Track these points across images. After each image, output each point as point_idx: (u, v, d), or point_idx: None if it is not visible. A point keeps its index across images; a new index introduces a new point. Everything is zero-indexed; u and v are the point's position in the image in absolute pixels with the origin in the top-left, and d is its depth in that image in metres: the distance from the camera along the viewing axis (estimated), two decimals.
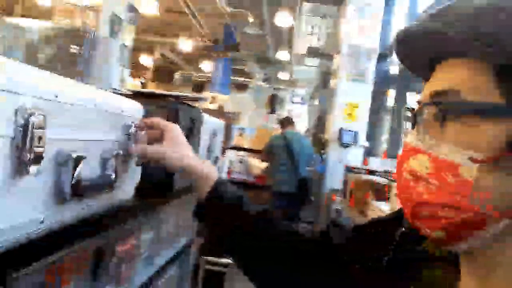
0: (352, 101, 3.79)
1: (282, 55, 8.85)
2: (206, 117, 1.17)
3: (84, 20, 3.64)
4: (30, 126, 0.40)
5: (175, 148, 0.67)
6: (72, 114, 0.49)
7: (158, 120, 0.71)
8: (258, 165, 4.90)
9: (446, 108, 0.41)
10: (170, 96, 0.90)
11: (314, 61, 8.13)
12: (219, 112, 4.21)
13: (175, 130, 0.69)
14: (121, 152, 0.65)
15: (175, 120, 0.89)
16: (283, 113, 11.84)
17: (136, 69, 10.57)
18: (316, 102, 9.34)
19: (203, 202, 0.66)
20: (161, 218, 1.18)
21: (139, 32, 7.63)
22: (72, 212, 0.52)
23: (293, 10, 6.40)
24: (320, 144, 4.79)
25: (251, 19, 6.95)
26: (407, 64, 0.50)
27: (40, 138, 0.42)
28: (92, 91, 0.58)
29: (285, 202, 3.96)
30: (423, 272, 0.46)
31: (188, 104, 0.96)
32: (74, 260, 0.75)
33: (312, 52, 7.66)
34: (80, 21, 3.67)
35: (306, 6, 6.30)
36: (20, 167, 0.40)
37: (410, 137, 0.44)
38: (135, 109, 0.72)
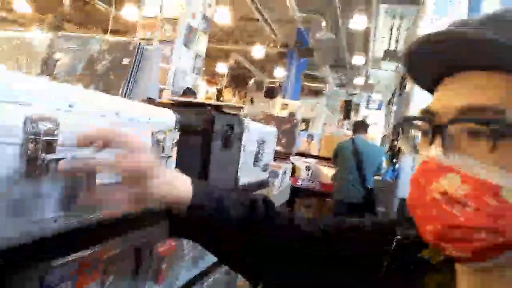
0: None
1: (357, 59, 8.57)
2: (250, 124, 1.18)
3: (162, 32, 3.94)
4: (40, 133, 0.44)
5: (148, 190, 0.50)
6: (89, 122, 0.53)
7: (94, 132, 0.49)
8: (326, 172, 4.78)
9: (487, 126, 0.38)
10: (208, 105, 0.92)
11: (391, 65, 7.72)
12: (285, 117, 4.19)
13: (139, 151, 0.50)
14: None
15: (211, 127, 0.91)
16: (358, 119, 11.43)
17: (213, 76, 11.10)
18: (394, 108, 8.86)
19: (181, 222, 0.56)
20: None
21: (215, 41, 8.02)
22: (86, 214, 0.55)
23: (369, 12, 6.17)
24: (394, 152, 4.51)
25: (324, 24, 6.85)
26: (415, 72, 0.48)
27: (49, 144, 0.45)
28: (115, 101, 0.62)
29: (348, 212, 3.78)
30: (421, 280, 0.45)
31: (227, 112, 0.98)
32: (112, 256, 0.80)
33: (389, 55, 7.29)
34: (160, 33, 3.98)
35: (383, 7, 6.01)
36: (30, 171, 0.44)
37: (432, 152, 0.41)
38: (166, 117, 0.75)
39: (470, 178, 0.38)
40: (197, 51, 4.30)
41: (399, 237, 0.48)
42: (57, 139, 0.47)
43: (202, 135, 0.83)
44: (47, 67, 1.07)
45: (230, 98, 10.64)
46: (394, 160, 4.27)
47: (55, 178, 0.48)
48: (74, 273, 0.65)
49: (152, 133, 0.69)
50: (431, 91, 0.47)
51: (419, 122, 0.45)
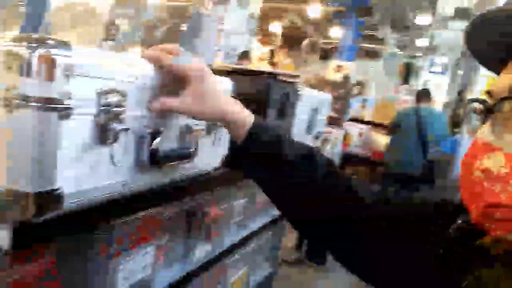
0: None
1: (422, 18, 7.91)
2: (304, 92, 1.16)
3: None
4: (110, 105, 0.47)
5: (202, 96, 0.55)
6: (151, 92, 0.55)
7: (176, 65, 0.55)
8: (380, 139, 4.62)
9: None
10: (264, 73, 0.91)
11: (461, 25, 7.04)
12: (340, 82, 4.05)
13: (200, 72, 0.55)
14: (203, 125, 0.71)
15: (266, 95, 0.91)
16: (417, 84, 10.75)
17: (266, 36, 10.86)
18: (460, 72, 8.18)
19: (238, 148, 0.58)
20: (255, 186, 1.24)
21: (268, 0, 7.77)
22: (153, 178, 0.59)
23: None
24: (456, 122, 4.23)
25: None
26: (478, 48, 0.46)
27: (118, 114, 0.48)
28: None
29: (403, 184, 3.63)
30: (478, 270, 0.43)
31: (282, 80, 0.97)
32: (167, 218, 0.86)
33: (460, 13, 6.64)
34: None
35: None
36: (102, 139, 0.48)
37: (482, 132, 0.41)
38: (224, 85, 0.76)
39: None
40: (251, 11, 4.22)
41: (459, 221, 0.46)
42: (125, 110, 0.50)
43: (257, 103, 0.83)
44: (109, 33, 1.12)
45: (283, 59, 10.44)
46: (455, 130, 4.01)
47: (123, 146, 0.51)
48: (135, 231, 0.71)
49: None
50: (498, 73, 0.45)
51: (478, 104, 0.44)
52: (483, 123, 0.42)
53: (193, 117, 0.58)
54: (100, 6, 1.03)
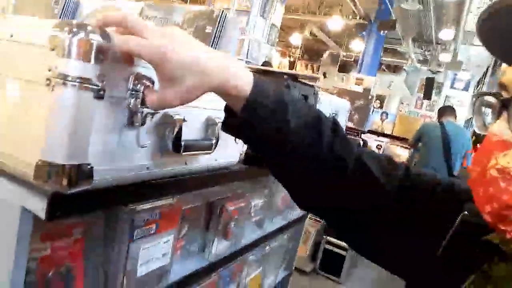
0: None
1: (446, 33, 7.83)
2: (323, 95, 1.18)
3: (239, 1, 3.97)
4: (139, 90, 0.50)
5: (174, 80, 0.44)
6: None
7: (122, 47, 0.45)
8: (399, 153, 4.57)
9: None
10: (285, 73, 0.93)
11: None
12: (359, 93, 4.04)
13: (157, 54, 0.43)
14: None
15: None
16: (439, 99, 10.57)
17: (286, 47, 10.94)
18: (484, 89, 8.03)
19: (236, 113, 0.48)
20: (272, 189, 1.26)
21: (291, 11, 7.86)
22: (174, 165, 0.62)
23: None
24: (477, 138, 4.14)
25: None
26: (490, 45, 0.43)
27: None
28: None
29: None
30: (487, 266, 0.41)
31: (302, 82, 0.99)
32: (188, 209, 0.88)
33: None
34: (236, 3, 4.02)
35: None
36: (130, 121, 0.51)
37: (496, 128, 0.39)
38: None
39: None
40: (272, 21, 4.29)
41: (465, 213, 0.44)
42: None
43: None
44: None
45: (302, 71, 10.48)
46: (478, 145, 3.93)
47: (150, 131, 0.54)
48: (158, 218, 0.73)
49: None
50: None
51: (491, 98, 0.41)
52: (498, 118, 0.40)
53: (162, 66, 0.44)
54: (130, 8, 1.09)
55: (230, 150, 0.78)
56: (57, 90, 0.43)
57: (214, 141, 0.68)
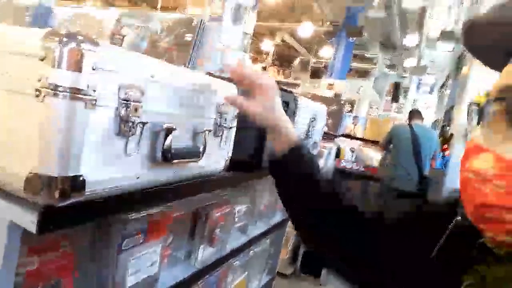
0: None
1: (410, 39, 8.14)
2: (303, 101, 1.20)
3: (211, 8, 3.98)
4: (129, 99, 0.50)
5: (265, 103, 0.65)
6: (167, 91, 0.58)
7: (253, 73, 0.67)
8: (371, 155, 4.69)
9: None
10: None
11: (447, 46, 7.27)
12: (332, 98, 4.13)
13: (272, 89, 0.66)
14: (212, 128, 0.74)
15: None
16: (406, 102, 10.96)
17: (258, 54, 11.03)
18: (448, 92, 8.40)
19: (278, 158, 0.66)
20: (255, 194, 1.27)
21: (262, 18, 7.95)
22: (163, 174, 0.62)
23: None
24: (444, 139, 4.33)
25: (376, 2, 6.55)
26: (482, 55, 0.47)
27: (136, 109, 0.51)
28: (188, 72, 0.67)
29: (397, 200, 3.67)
30: (477, 267, 0.42)
31: (283, 89, 1.00)
32: (174, 218, 0.88)
33: (446, 35, 6.85)
34: (209, 9, 4.02)
35: None
36: (120, 131, 0.50)
37: (474, 133, 0.42)
38: (230, 90, 0.80)
39: (501, 157, 0.38)
40: (245, 29, 4.31)
41: (458, 218, 0.46)
42: (142, 105, 0.53)
43: None
44: (115, 43, 1.15)
45: (275, 77, 10.59)
46: (445, 146, 4.10)
47: (139, 140, 0.54)
48: (146, 227, 0.72)
49: (217, 105, 0.74)
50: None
51: (474, 106, 0.45)
52: (478, 124, 0.42)
53: (253, 119, 0.66)
54: (106, 17, 1.06)
55: (215, 157, 0.78)
56: (48, 101, 0.43)
57: (202, 149, 0.68)
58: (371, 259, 0.55)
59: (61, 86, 0.43)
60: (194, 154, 0.66)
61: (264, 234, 1.37)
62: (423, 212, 0.55)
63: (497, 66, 0.45)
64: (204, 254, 0.99)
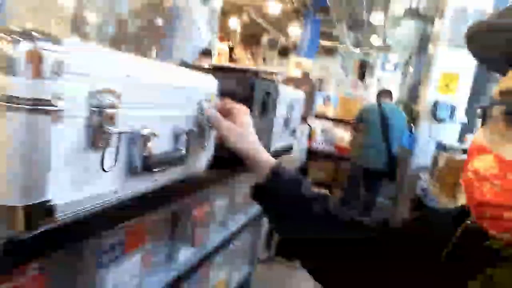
0: (452, 71, 3.36)
1: (376, 17, 8.21)
2: (283, 89, 1.15)
3: None
4: (102, 106, 0.43)
5: (241, 132, 0.67)
6: (143, 92, 0.51)
7: (231, 102, 0.71)
8: (342, 135, 4.74)
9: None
10: (248, 71, 0.89)
11: (412, 24, 7.39)
12: (303, 79, 4.10)
13: (245, 115, 0.69)
14: (194, 127, 0.67)
15: (251, 93, 0.88)
16: (372, 80, 11.15)
17: (225, 32, 10.77)
18: (411, 70, 8.59)
19: (260, 184, 0.65)
20: (234, 187, 1.22)
21: None
22: (144, 184, 0.55)
23: None
24: (410, 117, 4.44)
25: None
26: (483, 59, 0.49)
27: (111, 117, 0.44)
28: (165, 68, 0.60)
29: (368, 178, 3.75)
30: (485, 270, 0.43)
31: (265, 78, 0.95)
32: (153, 222, 0.81)
33: (411, 13, 6.96)
34: None
35: None
36: (94, 143, 0.43)
37: (477, 134, 0.43)
38: (210, 84, 0.73)
39: (500, 158, 0.39)
40: (212, 7, 4.13)
41: (468, 222, 0.47)
42: (118, 112, 0.46)
43: (243, 102, 0.81)
44: (77, 28, 1.03)
45: (242, 56, 10.41)
46: (411, 125, 4.20)
47: (115, 151, 0.47)
48: (123, 238, 0.66)
49: (199, 102, 0.67)
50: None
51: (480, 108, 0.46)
52: (481, 125, 0.44)
53: (228, 146, 0.66)
54: None
55: (198, 159, 0.72)
56: (4, 116, 0.35)
57: (184, 152, 0.62)
58: (374, 267, 0.53)
59: (18, 97, 0.35)
60: (177, 159, 0.60)
61: (244, 227, 1.33)
62: (428, 220, 0.54)
63: (500, 71, 0.46)
64: (186, 255, 0.94)
